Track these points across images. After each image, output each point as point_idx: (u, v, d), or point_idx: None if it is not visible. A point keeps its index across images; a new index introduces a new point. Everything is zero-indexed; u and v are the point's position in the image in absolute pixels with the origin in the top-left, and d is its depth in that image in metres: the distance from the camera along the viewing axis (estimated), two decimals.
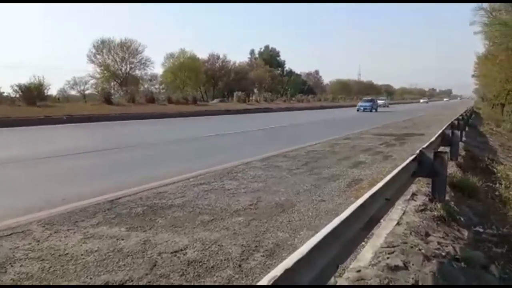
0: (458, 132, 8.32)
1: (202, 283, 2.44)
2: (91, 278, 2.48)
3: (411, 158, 3.89)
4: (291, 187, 5.01)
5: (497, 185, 6.48)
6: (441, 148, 6.56)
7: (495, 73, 27.22)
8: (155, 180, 5.31)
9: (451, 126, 9.03)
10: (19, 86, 21.50)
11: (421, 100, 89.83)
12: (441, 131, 7.42)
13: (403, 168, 3.41)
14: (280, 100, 47.68)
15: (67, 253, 2.88)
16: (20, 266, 2.67)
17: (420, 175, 4.18)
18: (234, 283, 2.46)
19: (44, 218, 3.67)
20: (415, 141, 10.39)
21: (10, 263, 2.70)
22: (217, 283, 2.44)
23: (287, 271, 1.42)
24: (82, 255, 2.85)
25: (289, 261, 1.50)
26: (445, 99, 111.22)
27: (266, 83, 58.82)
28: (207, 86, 52.92)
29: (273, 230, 3.44)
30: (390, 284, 2.37)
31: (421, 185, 4.90)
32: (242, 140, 11.62)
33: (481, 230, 4.22)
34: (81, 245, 3.03)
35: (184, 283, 2.43)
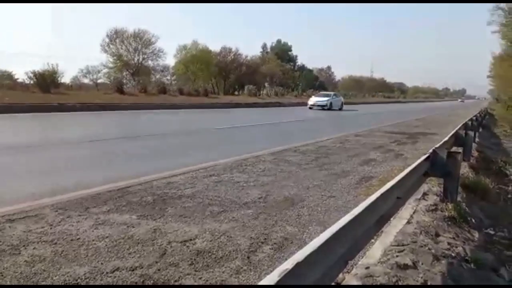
0: (471, 133, 8.21)
1: (210, 273, 2.46)
2: (102, 263, 2.52)
3: (423, 157, 3.85)
4: (301, 182, 5.01)
5: (510, 187, 6.39)
6: (453, 149, 6.48)
7: (511, 74, 26.75)
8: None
9: (465, 126, 8.91)
10: (34, 73, 21.76)
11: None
12: (454, 131, 7.33)
13: (415, 167, 3.38)
14: (291, 95, 47.47)
15: (79, 238, 2.93)
16: (33, 248, 2.72)
17: (432, 174, 4.13)
18: (242, 274, 2.47)
19: (57, 203, 3.73)
20: (427, 141, 10.28)
21: (23, 246, 2.76)
22: (225, 273, 2.46)
23: (298, 265, 1.43)
24: (93, 240, 2.90)
25: (300, 255, 1.50)
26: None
27: (278, 77, 58.55)
28: (218, 79, 52.87)
29: (281, 223, 3.45)
30: (399, 282, 2.36)
31: (432, 185, 4.85)
32: (255, 134, 11.64)
33: (492, 232, 4.18)
34: (92, 231, 3.08)
35: (193, 272, 2.45)
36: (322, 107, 27.58)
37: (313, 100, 29.19)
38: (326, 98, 28.60)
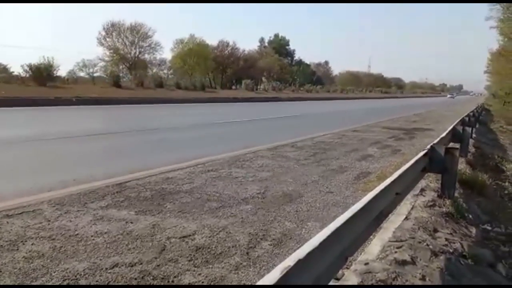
0: (468, 129, 8.23)
1: (210, 269, 2.46)
2: (101, 259, 2.52)
3: (422, 153, 3.85)
4: (299, 178, 5.01)
5: (507, 183, 6.43)
6: (451, 144, 6.49)
7: (508, 70, 26.77)
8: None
9: (462, 122, 8.93)
10: (30, 66, 21.61)
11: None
12: (451, 127, 7.34)
13: (413, 163, 3.39)
14: (289, 90, 47.44)
15: (77, 234, 2.92)
16: (32, 244, 2.71)
17: (430, 170, 4.14)
18: (242, 270, 2.47)
19: (55, 198, 3.71)
20: (424, 136, 10.31)
21: (21, 241, 2.75)
22: (225, 269, 2.46)
23: (299, 262, 1.43)
24: (92, 236, 2.89)
25: (301, 252, 1.50)
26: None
27: (275, 72, 58.41)
28: (215, 73, 52.70)
29: (280, 219, 3.45)
30: (398, 278, 2.37)
31: (430, 181, 4.87)
32: (250, 129, 11.62)
33: (489, 228, 4.20)
34: (91, 227, 3.07)
35: (193, 268, 2.45)
36: None
37: None
38: None
